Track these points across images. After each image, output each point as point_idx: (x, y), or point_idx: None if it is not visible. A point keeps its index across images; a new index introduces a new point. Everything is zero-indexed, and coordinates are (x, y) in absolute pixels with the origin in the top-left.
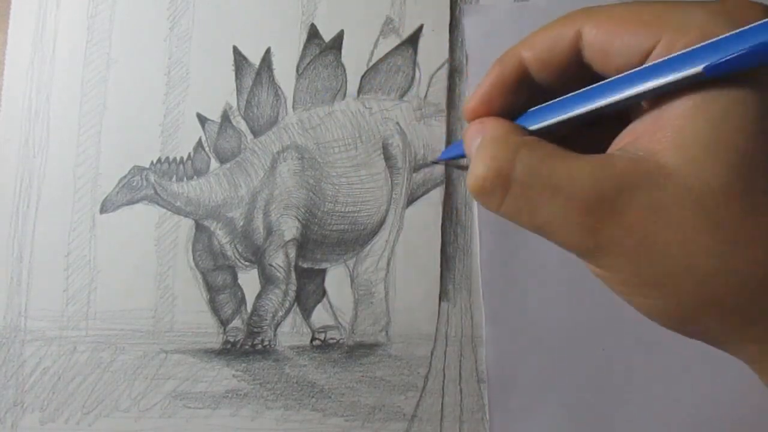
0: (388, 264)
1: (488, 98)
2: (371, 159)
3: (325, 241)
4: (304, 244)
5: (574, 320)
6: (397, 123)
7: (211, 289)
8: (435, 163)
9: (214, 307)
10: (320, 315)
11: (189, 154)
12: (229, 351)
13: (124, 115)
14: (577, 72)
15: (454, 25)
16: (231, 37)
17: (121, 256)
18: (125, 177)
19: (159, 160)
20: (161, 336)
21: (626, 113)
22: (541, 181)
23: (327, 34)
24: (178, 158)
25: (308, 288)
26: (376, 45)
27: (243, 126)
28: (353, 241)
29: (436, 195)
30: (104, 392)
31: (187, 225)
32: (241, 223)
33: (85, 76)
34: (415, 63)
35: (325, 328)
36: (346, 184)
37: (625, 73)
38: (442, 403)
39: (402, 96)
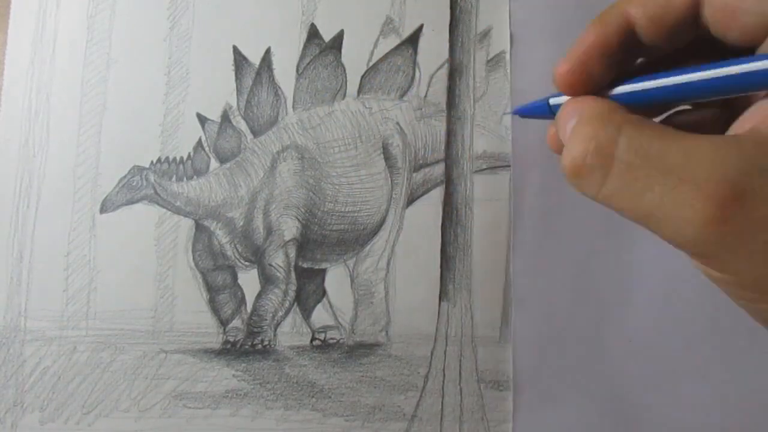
0: (388, 264)
1: (586, 61)
2: (371, 159)
3: (325, 241)
4: (304, 244)
5: (601, 315)
6: (397, 123)
7: (211, 289)
8: (515, 114)
9: (214, 307)
10: (320, 315)
11: (189, 154)
12: (229, 351)
13: (124, 115)
14: (692, 35)
15: (454, 25)
16: (231, 37)
17: (121, 256)
18: (125, 177)
19: (159, 160)
20: (161, 336)
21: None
22: (651, 160)
23: (327, 34)
24: (178, 158)
25: (308, 288)
26: (376, 45)
27: (243, 126)
28: (353, 241)
29: (436, 195)
30: (104, 392)
31: (187, 225)
32: (241, 223)
33: (85, 76)
34: (415, 63)
35: (325, 328)
36: (346, 184)
37: (749, 57)
38: (442, 403)
39: (402, 96)
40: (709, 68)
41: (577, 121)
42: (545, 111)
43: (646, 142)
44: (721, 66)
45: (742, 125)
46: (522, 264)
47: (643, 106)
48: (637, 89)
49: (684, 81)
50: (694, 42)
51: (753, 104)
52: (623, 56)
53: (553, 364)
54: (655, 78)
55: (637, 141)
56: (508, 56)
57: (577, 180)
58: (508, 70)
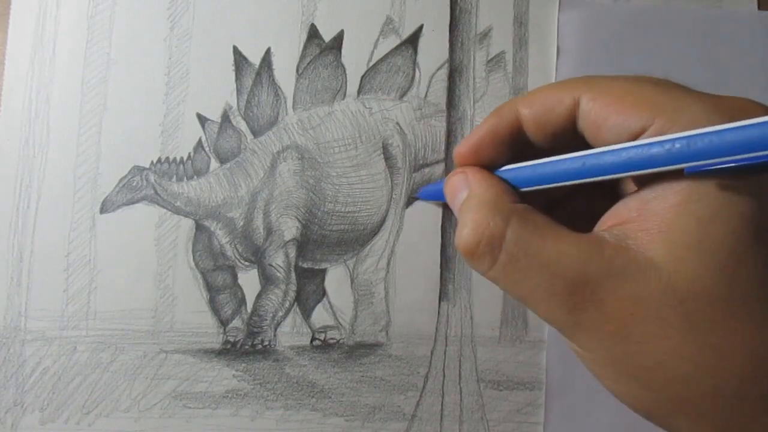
0: (388, 264)
1: (479, 146)
2: (371, 159)
3: (325, 241)
4: (304, 244)
5: None
6: (397, 123)
7: (211, 289)
8: (417, 199)
9: (214, 307)
10: (320, 315)
11: (189, 154)
12: (229, 351)
13: (124, 115)
14: (570, 138)
15: (454, 25)
16: (231, 37)
17: (121, 256)
18: (125, 177)
19: (159, 160)
20: (161, 336)
21: (616, 183)
22: (531, 255)
23: (327, 34)
24: (178, 158)
25: (308, 288)
26: (376, 45)
27: (243, 126)
28: (353, 241)
29: None
30: (104, 392)
31: (187, 225)
32: (241, 223)
33: (85, 76)
34: (415, 63)
35: (325, 328)
36: (346, 184)
37: (609, 147)
38: (442, 403)
39: (402, 96)
40: (574, 157)
41: (468, 199)
42: (442, 194)
43: (528, 238)
44: (588, 156)
45: (605, 222)
46: None
47: (525, 186)
48: (516, 167)
49: (552, 164)
50: (577, 144)
51: (620, 199)
52: (514, 147)
53: (584, 374)
54: (534, 167)
55: (521, 237)
56: (508, 56)
57: (468, 261)
58: (509, 71)
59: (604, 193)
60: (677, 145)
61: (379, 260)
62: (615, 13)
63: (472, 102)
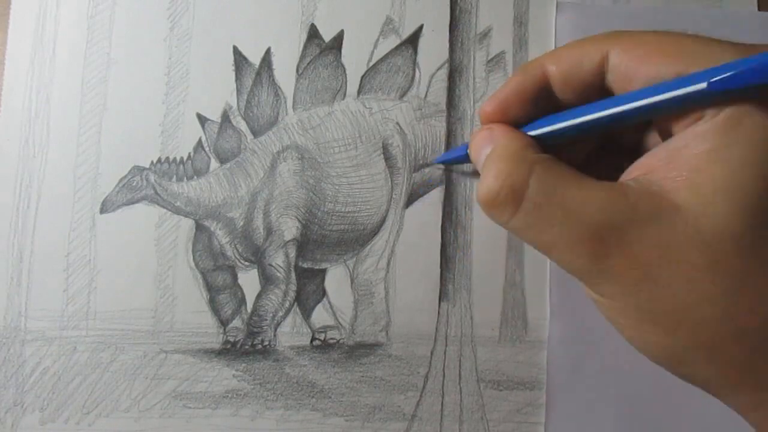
0: (388, 264)
1: (506, 105)
2: (371, 159)
3: (325, 241)
4: (304, 244)
5: None
6: (397, 123)
7: (211, 289)
8: (434, 164)
9: (214, 307)
10: (320, 315)
11: (189, 154)
12: (229, 351)
13: (124, 115)
14: (598, 94)
15: (454, 25)
16: (231, 37)
17: (121, 256)
18: (125, 177)
19: (159, 160)
20: (161, 336)
21: (641, 143)
22: (555, 202)
23: (327, 34)
24: (178, 158)
25: (308, 288)
26: (376, 45)
27: (243, 126)
28: (353, 241)
29: (436, 195)
30: (104, 392)
31: (187, 225)
32: (241, 223)
33: (85, 76)
34: (415, 63)
35: (325, 328)
36: (346, 184)
37: (639, 89)
38: (442, 403)
39: (402, 96)
40: (596, 108)
41: (492, 152)
42: (465, 156)
43: (552, 185)
44: (605, 106)
45: (631, 173)
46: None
47: (553, 142)
48: (545, 124)
49: (579, 119)
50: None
51: (646, 153)
52: (541, 103)
53: (586, 375)
54: (561, 116)
55: (545, 184)
56: (508, 56)
57: (489, 210)
58: (509, 71)
59: (630, 154)
60: (711, 77)
61: (379, 260)
62: (613, 14)
63: (472, 102)
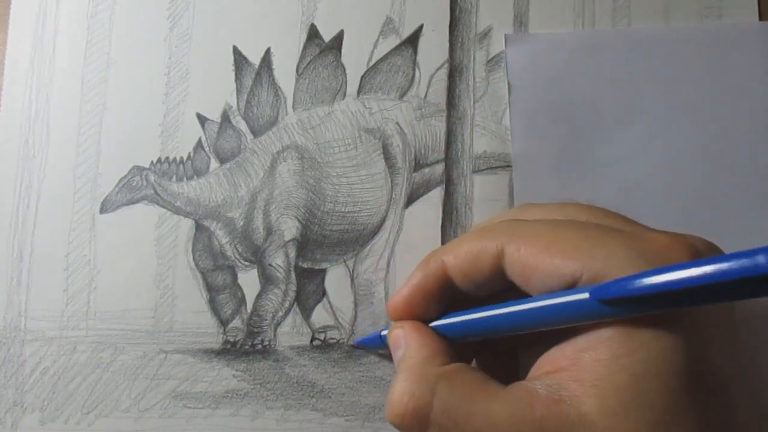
0: (388, 264)
1: (411, 301)
2: (371, 159)
3: (325, 241)
4: (304, 244)
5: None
6: (397, 123)
7: (211, 289)
8: (355, 347)
9: (214, 307)
10: (320, 315)
11: (189, 154)
12: (229, 351)
13: (124, 115)
14: (501, 284)
15: (454, 25)
16: (231, 37)
17: (121, 256)
18: (125, 177)
19: (159, 160)
20: (161, 336)
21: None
22: (460, 424)
23: (327, 34)
24: (178, 158)
25: (308, 288)
26: (376, 45)
27: (243, 126)
28: (353, 241)
29: (436, 195)
30: (104, 392)
31: (187, 225)
32: (241, 223)
33: (85, 76)
34: (415, 63)
35: (325, 328)
36: (346, 184)
37: (532, 303)
38: None
39: (402, 96)
40: (502, 307)
41: (401, 361)
42: (379, 342)
43: (456, 406)
44: (511, 305)
45: (538, 368)
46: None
47: (461, 337)
48: (448, 322)
49: (482, 317)
50: (510, 289)
51: (552, 347)
52: (446, 294)
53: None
54: (463, 314)
55: (448, 406)
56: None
57: (399, 429)
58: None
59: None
60: (597, 297)
61: (379, 260)
62: (563, 42)
63: (472, 102)
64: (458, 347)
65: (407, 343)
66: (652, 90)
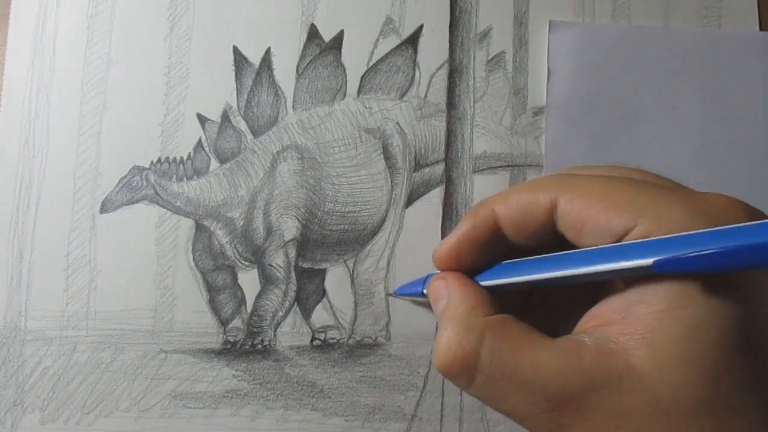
0: (388, 264)
1: (458, 250)
2: (371, 159)
3: (325, 241)
4: (304, 244)
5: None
6: (397, 123)
7: (211, 289)
8: (391, 296)
9: (214, 307)
10: (320, 315)
11: (189, 154)
12: (229, 351)
13: (124, 115)
14: (551, 236)
15: (454, 25)
16: (231, 37)
17: (121, 256)
18: (125, 177)
19: (159, 160)
20: (161, 336)
21: (597, 284)
22: (507, 373)
23: (327, 34)
24: (178, 158)
25: (308, 288)
26: (376, 45)
27: (243, 126)
28: (353, 241)
29: (436, 195)
30: (104, 392)
31: (187, 225)
32: (241, 223)
33: (85, 76)
34: (415, 63)
35: (325, 328)
36: (346, 184)
37: (595, 248)
38: (442, 403)
39: (402, 96)
40: (544, 267)
41: (445, 311)
42: (417, 293)
43: (504, 355)
44: (559, 268)
45: (586, 322)
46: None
47: (506, 291)
48: (498, 274)
49: (535, 279)
50: (559, 242)
51: (602, 299)
52: (496, 245)
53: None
54: (513, 269)
55: (496, 355)
56: (508, 56)
57: (447, 377)
58: (509, 70)
59: (590, 287)
60: (658, 250)
61: (379, 260)
62: (609, 33)
63: (472, 102)
64: (497, 302)
65: (450, 293)
66: (689, 87)
